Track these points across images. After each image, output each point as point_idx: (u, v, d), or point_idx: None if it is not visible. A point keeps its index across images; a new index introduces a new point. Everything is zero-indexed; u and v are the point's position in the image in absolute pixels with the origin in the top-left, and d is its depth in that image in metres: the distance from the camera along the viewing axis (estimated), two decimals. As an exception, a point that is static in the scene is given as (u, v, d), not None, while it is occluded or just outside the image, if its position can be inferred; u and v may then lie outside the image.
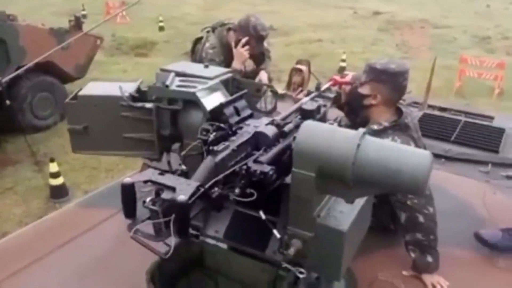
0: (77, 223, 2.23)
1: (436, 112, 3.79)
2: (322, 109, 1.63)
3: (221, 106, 1.47)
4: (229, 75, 1.74)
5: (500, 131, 3.32)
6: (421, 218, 1.89)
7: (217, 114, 1.47)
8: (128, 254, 2.04)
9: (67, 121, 1.61)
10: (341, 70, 9.84)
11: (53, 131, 7.09)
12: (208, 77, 1.63)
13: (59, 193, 5.36)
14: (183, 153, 1.46)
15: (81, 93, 1.58)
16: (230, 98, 1.53)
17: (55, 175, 5.32)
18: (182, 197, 1.02)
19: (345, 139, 1.21)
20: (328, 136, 1.23)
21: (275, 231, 1.39)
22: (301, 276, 1.41)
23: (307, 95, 3.82)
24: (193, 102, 1.49)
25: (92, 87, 1.62)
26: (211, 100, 1.51)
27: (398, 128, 1.98)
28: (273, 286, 1.52)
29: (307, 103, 1.61)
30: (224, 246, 1.60)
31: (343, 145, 1.19)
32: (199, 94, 1.47)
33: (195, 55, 3.07)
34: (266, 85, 1.71)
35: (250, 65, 3.16)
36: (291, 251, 1.37)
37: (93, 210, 2.38)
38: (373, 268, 1.96)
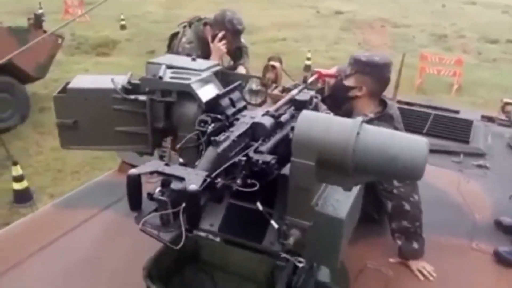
0: (58, 224, 2.14)
1: (406, 107, 3.89)
2: (314, 100, 1.65)
3: (217, 98, 1.45)
4: (219, 67, 1.73)
5: (469, 123, 3.46)
6: (407, 206, 1.94)
7: (213, 105, 1.46)
8: (114, 254, 1.99)
9: (55, 115, 1.54)
10: (307, 68, 9.96)
11: (13, 134, 6.80)
12: (199, 69, 1.60)
13: (23, 198, 5.12)
14: (178, 145, 1.43)
15: (70, 86, 1.52)
16: (226, 89, 1.52)
17: (19, 179, 5.10)
18: (193, 186, 1.00)
19: (344, 127, 1.22)
20: (327, 125, 1.24)
21: (272, 222, 1.39)
22: (300, 265, 1.42)
23: (282, 91, 3.86)
24: (187, 94, 1.46)
25: (81, 80, 1.56)
26: (205, 92, 1.48)
27: (384, 118, 2.03)
28: (271, 277, 1.52)
29: (300, 94, 1.62)
30: (218, 239, 1.58)
31: (343, 133, 1.21)
32: (193, 86, 1.45)
33: (171, 50, 3.02)
34: (255, 77, 1.70)
35: (227, 60, 3.14)
36: (291, 240, 1.37)
37: (72, 211, 2.30)
38: (362, 257, 2.00)
